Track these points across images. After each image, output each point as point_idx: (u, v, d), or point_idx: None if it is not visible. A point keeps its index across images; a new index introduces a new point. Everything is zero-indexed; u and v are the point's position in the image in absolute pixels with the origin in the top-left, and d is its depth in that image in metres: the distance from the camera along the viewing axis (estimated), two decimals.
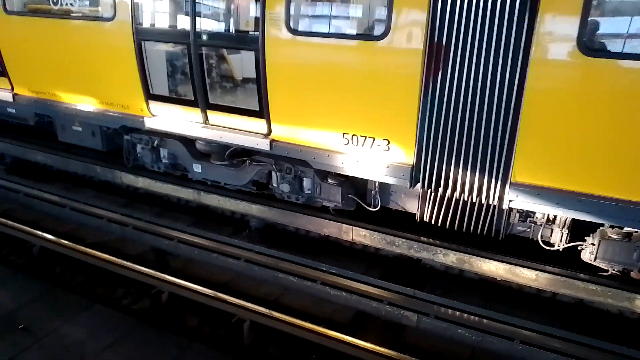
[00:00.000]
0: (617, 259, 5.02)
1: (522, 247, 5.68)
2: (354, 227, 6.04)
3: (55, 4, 7.18)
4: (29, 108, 8.10)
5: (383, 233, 5.91)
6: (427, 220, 5.66)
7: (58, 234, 6.45)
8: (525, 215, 5.39)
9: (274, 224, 6.78)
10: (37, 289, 5.63)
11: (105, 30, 6.55)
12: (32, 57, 7.57)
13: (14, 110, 8.55)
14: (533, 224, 5.41)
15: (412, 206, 5.90)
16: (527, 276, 5.35)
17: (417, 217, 5.77)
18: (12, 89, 7.97)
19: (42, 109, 7.90)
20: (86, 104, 7.24)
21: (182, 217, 7.38)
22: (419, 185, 5.33)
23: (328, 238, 6.43)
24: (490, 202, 5.06)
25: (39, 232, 6.33)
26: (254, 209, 6.71)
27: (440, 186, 5.20)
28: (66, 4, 7.20)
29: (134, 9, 6.19)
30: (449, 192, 5.20)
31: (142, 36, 6.24)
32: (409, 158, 5.21)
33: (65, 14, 6.98)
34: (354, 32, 5.38)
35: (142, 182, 7.60)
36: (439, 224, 5.59)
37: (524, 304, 5.52)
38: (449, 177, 5.12)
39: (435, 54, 4.72)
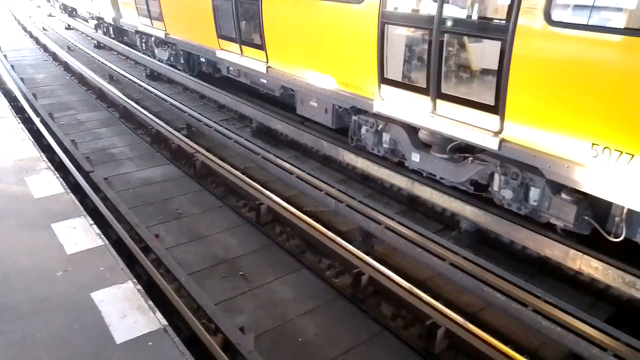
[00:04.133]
0: None
1: None
2: (584, 255, 5.17)
3: None
4: (277, 80, 9.01)
5: (621, 270, 4.94)
6: None
7: (283, 197, 7.12)
8: None
9: (487, 231, 6.29)
10: (259, 242, 6.34)
11: (354, 12, 6.81)
12: (284, 34, 8.41)
13: (265, 81, 9.69)
14: None
15: None
16: None
17: None
18: (267, 61, 8.99)
19: (288, 82, 8.71)
20: (324, 83, 7.72)
21: (392, 202, 7.42)
22: None
23: (548, 260, 5.68)
24: None
25: (269, 193, 7.07)
26: (467, 211, 6.31)
27: None
28: None
29: None
30: None
31: (386, 19, 6.29)
32: None
33: None
34: (625, 25, 4.44)
35: (361, 163, 7.83)
36: None
37: None
38: None
39: None
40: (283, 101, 10.10)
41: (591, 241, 5.35)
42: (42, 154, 7.34)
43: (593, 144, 4.65)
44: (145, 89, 12.49)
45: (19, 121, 8.82)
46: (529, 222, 5.77)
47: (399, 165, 7.42)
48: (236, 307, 5.14)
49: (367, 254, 5.72)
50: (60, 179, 6.44)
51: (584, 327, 4.42)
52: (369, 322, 4.99)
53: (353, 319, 5.04)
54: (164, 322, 3.80)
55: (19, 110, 10.13)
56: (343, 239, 5.96)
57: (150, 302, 4.03)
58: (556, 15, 4.69)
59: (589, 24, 4.57)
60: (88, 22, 20.98)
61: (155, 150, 9.23)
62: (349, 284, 5.42)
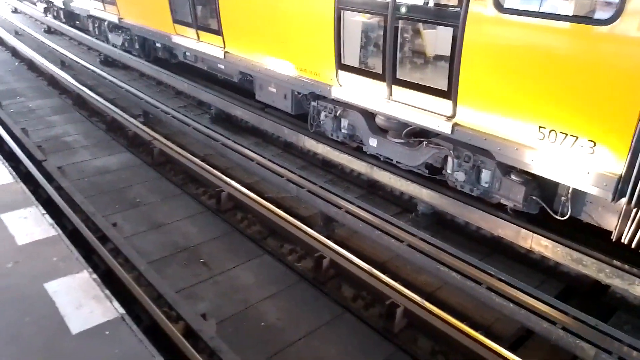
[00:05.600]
0: None
1: None
2: (534, 234, 5.40)
3: None
4: (235, 66, 8.93)
5: (569, 248, 5.18)
6: (626, 243, 4.78)
7: (244, 184, 7.08)
8: None
9: (443, 213, 6.46)
10: (220, 229, 6.30)
11: None
12: (242, 18, 8.32)
13: (223, 67, 9.59)
14: None
15: (609, 223, 5.03)
16: None
17: (613, 237, 4.92)
18: (224, 47, 8.88)
19: (246, 68, 8.64)
20: (283, 68, 7.71)
21: (352, 187, 7.50)
22: (623, 200, 4.49)
23: (501, 240, 5.90)
24: None
25: (229, 180, 7.02)
26: (424, 193, 6.45)
27: None
28: None
29: None
30: None
31: (343, 5, 6.33)
32: (618, 167, 4.40)
33: None
34: (573, 13, 4.66)
35: (322, 149, 7.87)
36: None
37: None
38: None
39: None
40: (241, 87, 9.97)
41: (541, 221, 5.59)
42: None
43: (540, 127, 4.85)
44: (99, 75, 12.06)
45: None
46: (483, 203, 5.97)
47: (358, 150, 7.50)
48: (198, 294, 5.11)
49: (328, 238, 5.79)
50: (10, 169, 6.17)
51: (534, 302, 4.63)
52: (330, 304, 5.06)
53: (315, 301, 5.10)
54: (122, 310, 3.74)
55: None
56: (304, 224, 6.01)
57: (107, 291, 3.96)
58: (507, 2, 4.80)
59: (538, 10, 4.70)
60: (36, 5, 20.03)
61: (111, 138, 8.97)
62: (311, 268, 5.48)
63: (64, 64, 13.39)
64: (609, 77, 4.29)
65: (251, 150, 7.85)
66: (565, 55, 4.55)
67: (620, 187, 4.44)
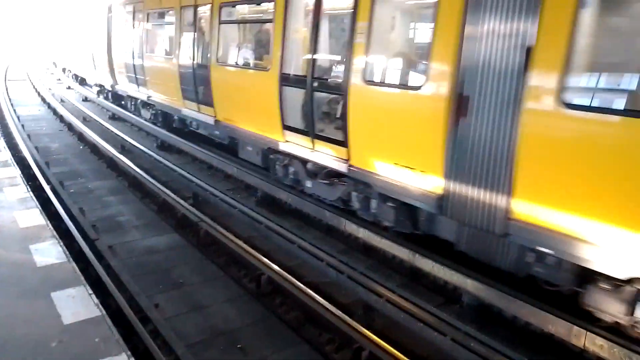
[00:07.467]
0: None
1: None
2: (588, 332, 5.07)
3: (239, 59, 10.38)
4: (225, 131, 11.19)
5: (627, 349, 4.81)
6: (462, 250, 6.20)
7: (284, 267, 7.10)
8: None
9: (490, 305, 6.18)
10: (258, 313, 6.26)
11: (264, 76, 8.93)
12: (225, 94, 10.76)
13: (217, 132, 11.67)
14: None
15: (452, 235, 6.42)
16: None
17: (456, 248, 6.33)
18: (215, 116, 11.08)
19: (231, 132, 10.91)
20: (252, 131, 9.81)
21: (394, 275, 7.35)
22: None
23: (552, 337, 5.54)
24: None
25: (270, 263, 7.07)
26: (468, 284, 6.25)
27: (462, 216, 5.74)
28: (247, 60, 10.28)
29: (282, 64, 8.39)
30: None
31: (282, 81, 8.44)
32: (438, 188, 6.03)
33: (245, 66, 10.15)
34: (401, 82, 6.81)
35: (362, 233, 7.88)
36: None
37: None
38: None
39: (459, 102, 5.56)
40: (232, 148, 11.79)
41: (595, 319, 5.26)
42: (48, 222, 7.47)
43: (395, 162, 6.62)
44: (155, 159, 12.83)
45: (29, 189, 9.05)
46: (532, 296, 5.71)
47: (302, 193, 9.18)
48: None
49: (368, 328, 5.61)
50: (64, 247, 6.50)
51: None
52: None
53: None
54: None
55: (30, 178, 10.42)
56: (344, 312, 5.88)
57: None
58: (367, 76, 6.83)
59: (382, 81, 6.95)
60: (92, 87, 24.04)
61: (160, 219, 9.32)
62: (349, 359, 5.29)
63: (123, 148, 14.33)
64: (422, 124, 6.10)
65: (293, 233, 7.94)
66: (398, 111, 6.55)
67: (443, 204, 5.98)
